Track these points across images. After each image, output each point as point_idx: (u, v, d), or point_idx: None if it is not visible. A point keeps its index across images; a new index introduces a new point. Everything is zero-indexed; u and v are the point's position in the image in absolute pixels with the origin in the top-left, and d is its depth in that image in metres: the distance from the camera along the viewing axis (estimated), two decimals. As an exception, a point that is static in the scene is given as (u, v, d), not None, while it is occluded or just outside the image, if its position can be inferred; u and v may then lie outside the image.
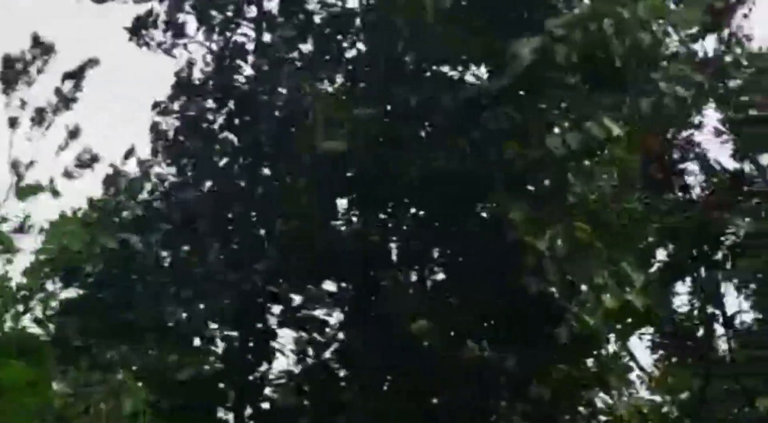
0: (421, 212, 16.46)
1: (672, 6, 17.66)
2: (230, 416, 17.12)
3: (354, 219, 16.56)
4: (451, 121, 15.76)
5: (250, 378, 16.98)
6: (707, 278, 21.07)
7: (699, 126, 21.20)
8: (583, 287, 15.98)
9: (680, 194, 21.42)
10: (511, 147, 15.15)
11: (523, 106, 15.41)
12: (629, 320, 17.22)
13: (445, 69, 16.22)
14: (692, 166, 21.47)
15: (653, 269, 20.80)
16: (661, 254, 21.24)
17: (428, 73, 16.32)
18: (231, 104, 16.09)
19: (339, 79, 16.53)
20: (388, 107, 16.14)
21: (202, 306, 16.61)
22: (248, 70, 16.35)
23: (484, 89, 15.72)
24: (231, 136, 16.12)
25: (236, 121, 16.08)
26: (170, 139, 16.00)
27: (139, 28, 16.31)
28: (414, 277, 16.63)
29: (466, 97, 15.66)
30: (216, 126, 16.14)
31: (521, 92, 15.61)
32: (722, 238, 20.99)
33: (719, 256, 20.93)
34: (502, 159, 15.26)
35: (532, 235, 15.38)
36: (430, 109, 15.78)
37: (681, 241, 20.75)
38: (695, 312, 21.46)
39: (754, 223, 20.91)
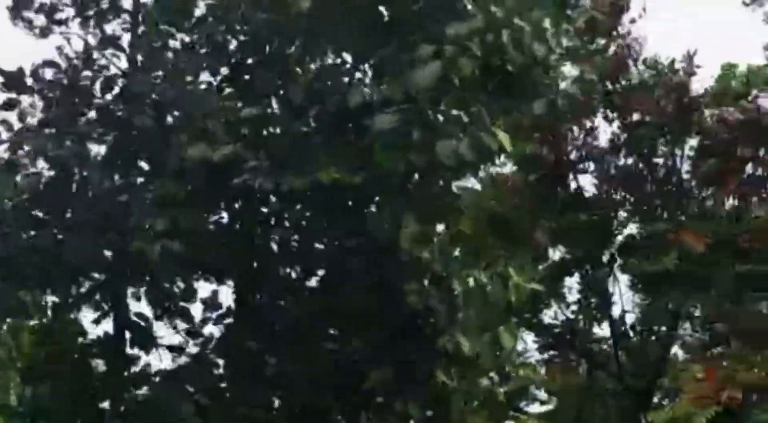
0: (304, 212, 16.32)
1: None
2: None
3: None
4: (339, 121, 15.59)
5: (128, 370, 16.76)
6: (595, 277, 21.19)
7: (593, 129, 21.31)
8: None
9: (575, 193, 21.53)
10: (398, 155, 15.01)
11: (413, 113, 15.23)
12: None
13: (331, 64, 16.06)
14: (588, 167, 21.58)
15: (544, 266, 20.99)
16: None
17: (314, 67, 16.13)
18: (99, 94, 15.81)
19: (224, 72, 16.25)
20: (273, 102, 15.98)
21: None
22: (124, 63, 16.04)
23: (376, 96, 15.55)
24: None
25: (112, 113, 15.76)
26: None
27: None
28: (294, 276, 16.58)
29: (355, 101, 15.44)
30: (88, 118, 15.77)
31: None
32: (612, 238, 21.17)
33: (608, 255, 21.09)
34: (389, 165, 15.15)
35: (421, 245, 15.34)
36: (316, 109, 15.60)
37: (572, 240, 20.87)
38: (583, 311, 21.61)
39: (645, 223, 21.13)
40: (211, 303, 16.61)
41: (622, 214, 21.63)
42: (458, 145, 14.68)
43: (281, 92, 15.79)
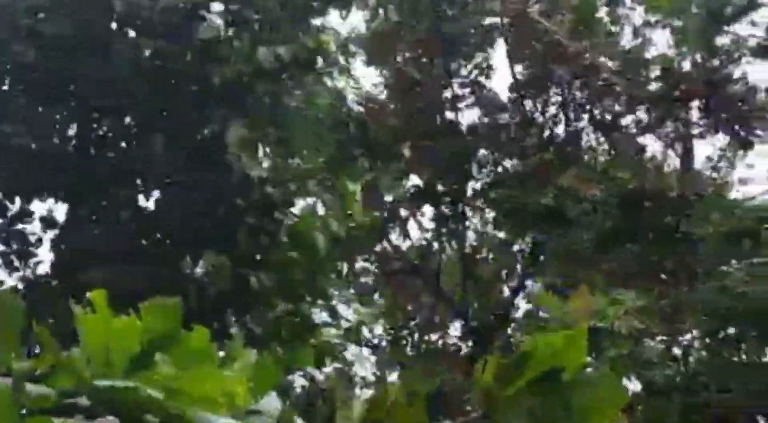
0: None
1: None
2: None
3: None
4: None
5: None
6: (455, 208, 20.25)
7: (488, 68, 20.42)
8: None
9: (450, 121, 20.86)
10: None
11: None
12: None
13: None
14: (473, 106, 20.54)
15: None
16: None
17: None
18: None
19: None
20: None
21: None
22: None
23: None
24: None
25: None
26: None
27: None
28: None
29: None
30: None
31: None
32: (480, 171, 20.48)
33: (472, 189, 20.46)
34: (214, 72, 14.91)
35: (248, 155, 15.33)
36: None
37: (437, 168, 19.84)
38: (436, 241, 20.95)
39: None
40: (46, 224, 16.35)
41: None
42: (277, 48, 14.82)
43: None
